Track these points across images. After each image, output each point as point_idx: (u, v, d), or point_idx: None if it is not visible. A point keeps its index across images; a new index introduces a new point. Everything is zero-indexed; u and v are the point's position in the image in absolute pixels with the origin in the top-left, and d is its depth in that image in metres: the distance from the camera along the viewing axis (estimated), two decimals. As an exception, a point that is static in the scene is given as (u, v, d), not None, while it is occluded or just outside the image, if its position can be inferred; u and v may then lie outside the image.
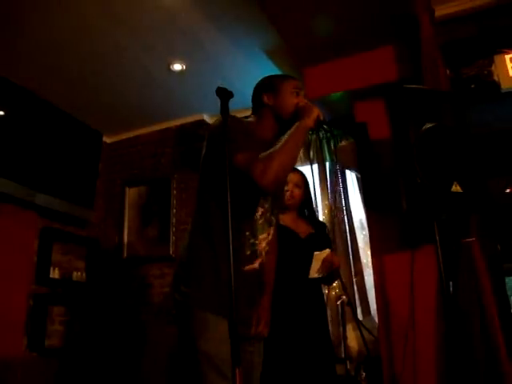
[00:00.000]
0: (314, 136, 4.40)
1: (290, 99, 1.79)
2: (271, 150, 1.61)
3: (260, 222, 1.76)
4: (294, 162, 1.73)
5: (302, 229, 2.64)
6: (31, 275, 3.80)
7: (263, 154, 1.59)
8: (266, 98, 1.80)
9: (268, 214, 1.80)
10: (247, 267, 1.73)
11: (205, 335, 1.58)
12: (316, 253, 2.50)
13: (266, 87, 1.84)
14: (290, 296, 2.42)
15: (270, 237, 1.82)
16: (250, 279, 1.76)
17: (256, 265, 1.77)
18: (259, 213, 1.76)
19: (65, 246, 4.21)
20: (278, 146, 1.62)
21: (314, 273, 2.50)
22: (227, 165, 1.44)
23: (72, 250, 4.29)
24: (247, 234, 1.72)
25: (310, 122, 1.69)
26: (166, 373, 3.67)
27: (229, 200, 1.39)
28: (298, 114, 1.72)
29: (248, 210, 1.73)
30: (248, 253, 1.73)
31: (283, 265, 2.29)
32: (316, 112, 1.71)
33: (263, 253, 1.79)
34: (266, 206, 1.78)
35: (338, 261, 2.56)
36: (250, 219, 1.74)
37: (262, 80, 1.91)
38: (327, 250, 2.52)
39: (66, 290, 4.08)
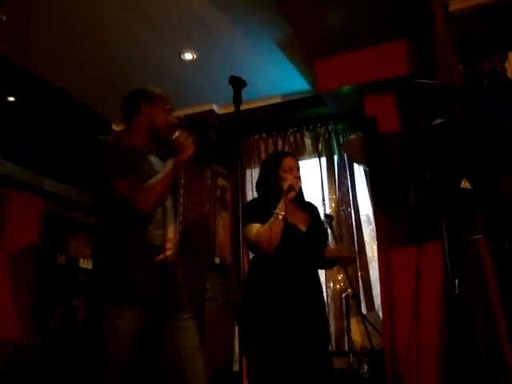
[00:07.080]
0: (323, 129, 4.39)
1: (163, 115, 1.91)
2: (150, 182, 1.75)
3: (159, 217, 1.84)
4: (169, 189, 1.85)
5: (301, 220, 2.50)
6: (38, 260, 3.83)
7: (143, 186, 1.73)
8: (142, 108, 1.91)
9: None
10: (160, 257, 1.78)
11: (111, 332, 1.65)
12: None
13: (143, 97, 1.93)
14: (290, 290, 2.36)
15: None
16: (159, 268, 1.80)
17: (168, 252, 1.82)
18: (159, 210, 1.84)
19: (72, 232, 4.23)
20: (156, 180, 1.76)
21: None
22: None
23: (79, 237, 4.32)
24: (151, 227, 1.80)
25: (184, 157, 1.79)
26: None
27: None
28: (174, 147, 1.80)
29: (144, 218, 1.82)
30: (157, 244, 1.80)
31: (285, 259, 2.29)
32: (191, 150, 1.78)
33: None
34: (166, 203, 1.88)
35: (344, 250, 2.58)
36: (150, 218, 1.81)
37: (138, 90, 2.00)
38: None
39: (72, 275, 4.11)
